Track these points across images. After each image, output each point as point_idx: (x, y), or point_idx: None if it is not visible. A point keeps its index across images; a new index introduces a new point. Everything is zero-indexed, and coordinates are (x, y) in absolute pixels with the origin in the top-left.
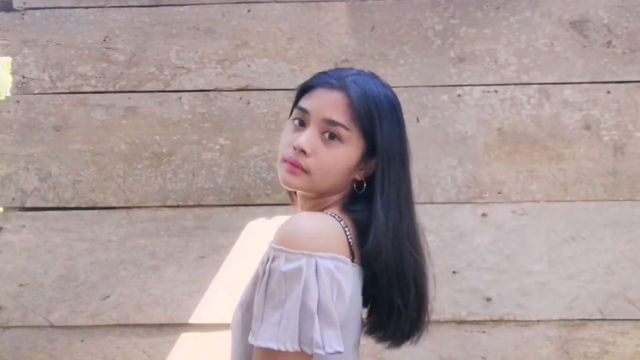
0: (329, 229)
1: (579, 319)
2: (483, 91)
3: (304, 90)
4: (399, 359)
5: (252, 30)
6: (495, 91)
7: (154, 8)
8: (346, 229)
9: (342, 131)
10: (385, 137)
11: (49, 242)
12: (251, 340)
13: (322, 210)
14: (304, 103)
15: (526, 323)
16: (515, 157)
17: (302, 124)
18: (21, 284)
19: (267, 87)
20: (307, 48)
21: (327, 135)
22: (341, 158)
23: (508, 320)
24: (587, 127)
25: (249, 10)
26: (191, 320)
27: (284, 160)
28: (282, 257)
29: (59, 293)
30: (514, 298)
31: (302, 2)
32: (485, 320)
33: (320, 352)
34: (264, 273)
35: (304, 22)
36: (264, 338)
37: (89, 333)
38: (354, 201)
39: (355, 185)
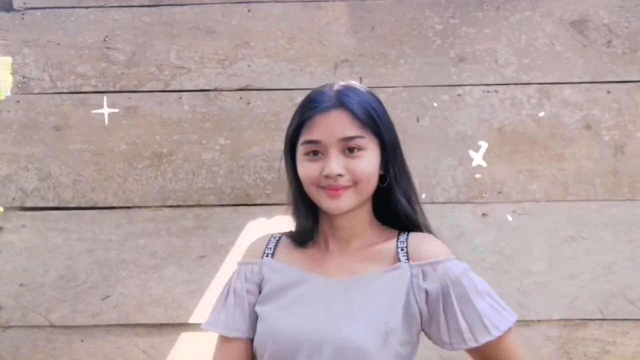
0: None
1: (579, 319)
2: (483, 91)
3: (300, 126)
4: None
5: (253, 30)
6: (496, 91)
7: (154, 8)
8: None
9: (359, 141)
10: (387, 129)
11: (49, 241)
12: (507, 323)
13: (371, 217)
14: (310, 136)
15: (526, 323)
16: (515, 157)
17: (316, 153)
18: (21, 284)
19: (267, 87)
20: (308, 48)
21: (347, 150)
22: (370, 162)
23: None
24: (588, 126)
25: (249, 10)
26: (191, 320)
27: (321, 188)
28: (455, 260)
29: (59, 293)
30: (514, 298)
31: (303, 1)
32: None
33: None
34: (467, 276)
35: (304, 22)
36: (513, 313)
37: (89, 333)
38: (376, 201)
39: (379, 180)
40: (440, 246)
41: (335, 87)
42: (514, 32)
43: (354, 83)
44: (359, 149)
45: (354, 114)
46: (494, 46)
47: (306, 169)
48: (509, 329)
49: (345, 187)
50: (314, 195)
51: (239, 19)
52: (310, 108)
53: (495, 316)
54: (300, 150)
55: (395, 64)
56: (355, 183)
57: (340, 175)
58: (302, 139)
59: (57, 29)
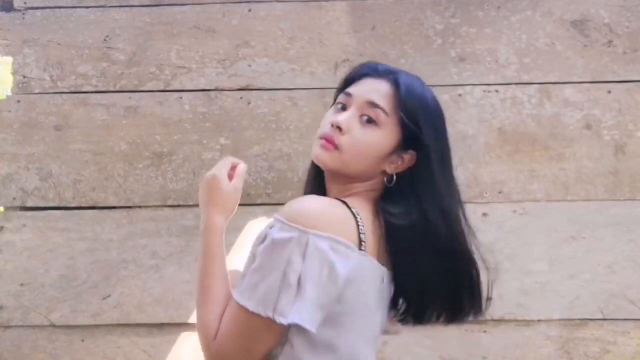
0: (334, 212)
1: (579, 319)
2: (484, 91)
3: (351, 80)
4: (400, 358)
5: (253, 30)
6: (496, 91)
7: (154, 7)
8: (358, 217)
9: (381, 115)
10: (432, 136)
11: (50, 241)
12: (234, 292)
13: (349, 195)
14: (350, 89)
15: (527, 323)
16: (516, 157)
17: (344, 108)
18: (22, 284)
19: (267, 87)
20: (308, 47)
21: (365, 118)
22: (375, 142)
23: (509, 320)
24: (588, 126)
25: (249, 10)
26: (191, 320)
27: (320, 137)
28: (278, 226)
29: (60, 292)
30: (514, 298)
31: (303, 1)
32: (486, 320)
33: (283, 321)
34: (258, 237)
35: (305, 22)
36: (243, 296)
37: (89, 332)
38: (387, 200)
39: (385, 179)
40: (291, 204)
41: (402, 70)
42: (514, 31)
43: (421, 82)
44: (376, 123)
45: (396, 93)
46: (495, 46)
47: (326, 116)
48: (235, 300)
49: (335, 146)
50: (314, 140)
51: (239, 19)
52: (367, 68)
53: (240, 281)
54: (337, 98)
55: (396, 63)
56: (341, 149)
57: (339, 128)
58: (345, 89)
59: (58, 29)
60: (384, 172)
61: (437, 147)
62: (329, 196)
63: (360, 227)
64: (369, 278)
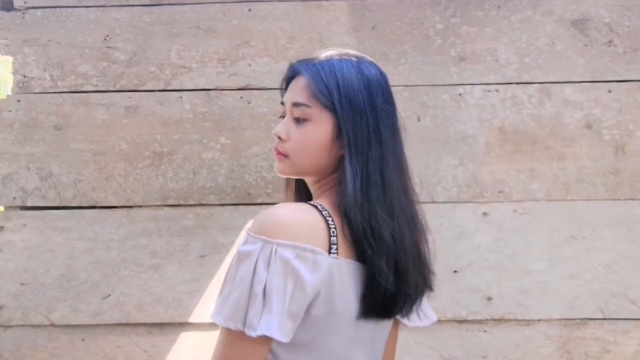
0: (301, 219)
1: (580, 318)
2: (484, 90)
3: (285, 88)
4: (399, 358)
5: (253, 30)
6: (497, 90)
7: (154, 7)
8: (330, 219)
9: (305, 110)
10: (345, 107)
11: (50, 241)
12: (213, 316)
13: (321, 194)
14: (283, 97)
15: (527, 322)
16: (516, 157)
17: (284, 117)
18: (22, 283)
19: (268, 87)
20: (308, 47)
21: (297, 119)
22: (312, 135)
23: (509, 320)
24: (588, 126)
25: (249, 10)
26: (192, 320)
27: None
28: (245, 238)
29: (60, 292)
30: (514, 297)
31: (303, 1)
32: (486, 320)
33: (252, 333)
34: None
35: (305, 22)
36: (215, 312)
37: (90, 332)
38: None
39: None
40: (259, 215)
41: (323, 55)
42: (514, 31)
43: (354, 57)
44: (305, 119)
45: (307, 83)
46: (495, 45)
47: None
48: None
49: (284, 155)
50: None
51: (239, 18)
52: (290, 71)
53: (215, 303)
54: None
55: (396, 63)
56: (288, 155)
57: (280, 138)
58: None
59: (58, 28)
60: (343, 156)
61: (354, 120)
62: (313, 197)
63: (332, 229)
64: (345, 281)
